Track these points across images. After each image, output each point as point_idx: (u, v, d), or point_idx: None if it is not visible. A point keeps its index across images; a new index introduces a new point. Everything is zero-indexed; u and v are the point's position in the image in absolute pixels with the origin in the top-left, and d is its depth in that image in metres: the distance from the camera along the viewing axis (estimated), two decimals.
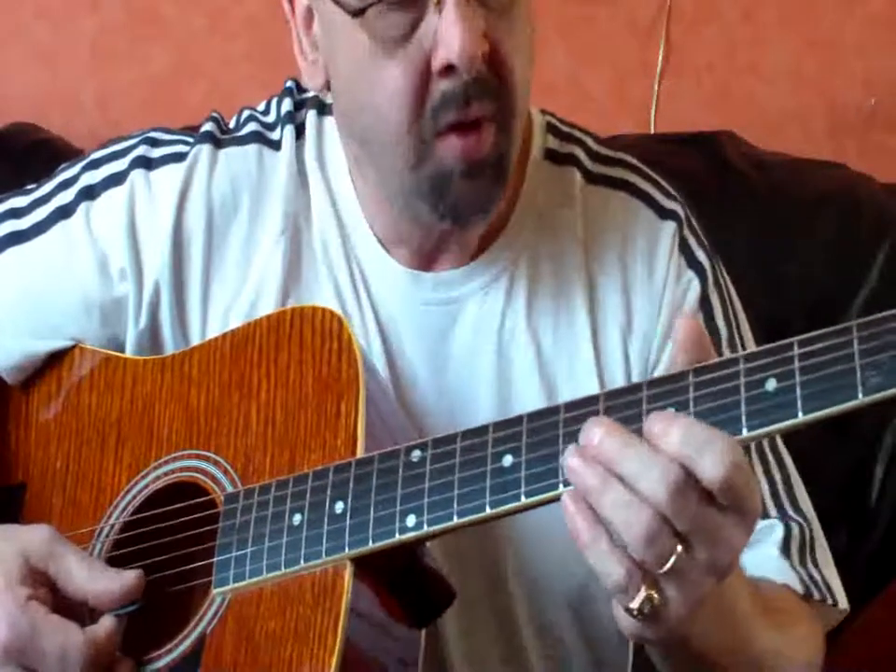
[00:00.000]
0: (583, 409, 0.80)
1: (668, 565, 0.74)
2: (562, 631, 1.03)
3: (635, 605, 0.75)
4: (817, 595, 0.99)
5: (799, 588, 0.98)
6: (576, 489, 0.77)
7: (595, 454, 0.76)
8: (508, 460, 0.81)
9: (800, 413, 0.74)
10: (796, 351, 0.74)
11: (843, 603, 1.01)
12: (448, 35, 0.89)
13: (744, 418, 0.75)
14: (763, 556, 0.98)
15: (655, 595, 0.75)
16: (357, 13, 0.91)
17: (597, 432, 0.77)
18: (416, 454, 0.85)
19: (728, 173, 1.56)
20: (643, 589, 0.75)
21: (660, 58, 1.77)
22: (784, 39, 1.79)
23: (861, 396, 0.72)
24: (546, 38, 1.75)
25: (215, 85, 1.76)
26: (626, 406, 0.79)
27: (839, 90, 1.79)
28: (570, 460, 0.77)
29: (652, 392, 0.78)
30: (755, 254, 1.52)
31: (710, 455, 0.73)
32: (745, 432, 0.75)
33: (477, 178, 0.93)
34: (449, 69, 0.90)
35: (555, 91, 1.75)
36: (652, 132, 1.76)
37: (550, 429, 0.81)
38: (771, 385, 0.74)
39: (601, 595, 0.99)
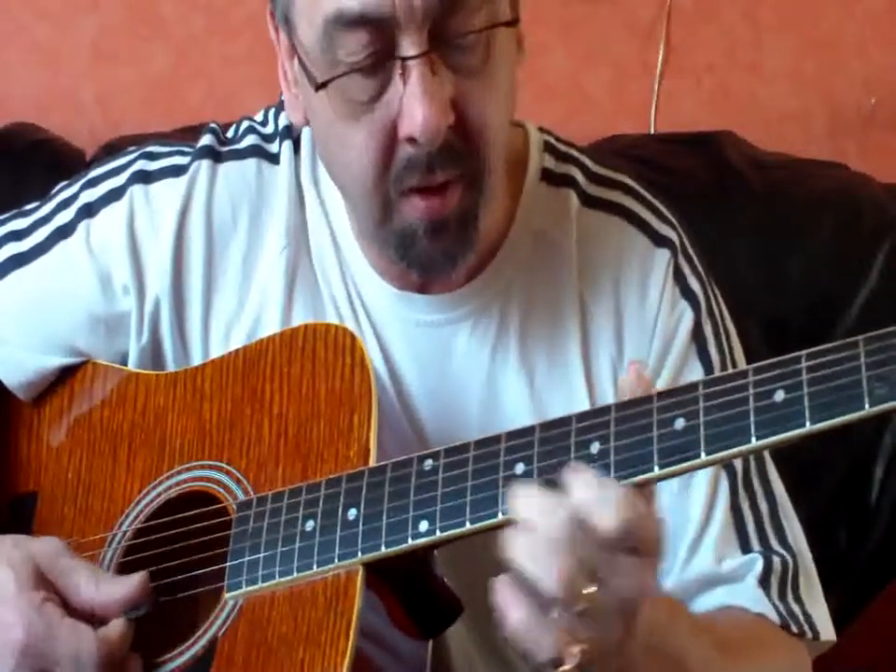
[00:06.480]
0: (595, 419, 0.81)
1: (582, 604, 0.77)
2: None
3: (570, 665, 0.78)
4: (794, 629, 0.99)
5: (776, 620, 0.98)
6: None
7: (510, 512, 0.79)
8: (520, 468, 0.83)
9: (807, 423, 0.75)
10: (804, 363, 0.76)
11: (826, 635, 1.01)
12: (411, 108, 0.88)
13: (753, 427, 0.77)
14: (742, 588, 0.99)
15: (583, 648, 0.78)
16: (320, 87, 0.90)
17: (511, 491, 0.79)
18: (429, 462, 0.87)
19: (728, 173, 1.56)
20: (575, 649, 0.78)
21: (660, 58, 1.77)
22: (784, 39, 1.79)
23: (867, 406, 0.73)
24: (546, 39, 1.76)
25: (215, 85, 1.75)
26: (636, 417, 0.80)
27: (839, 90, 1.79)
28: None
29: (663, 403, 0.79)
30: (755, 254, 1.52)
31: (603, 512, 0.77)
32: (754, 441, 0.77)
33: (441, 236, 0.93)
34: (412, 139, 0.90)
35: (555, 92, 1.75)
36: (652, 132, 1.76)
37: (562, 439, 0.82)
38: (779, 396, 0.76)
39: None
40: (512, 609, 0.78)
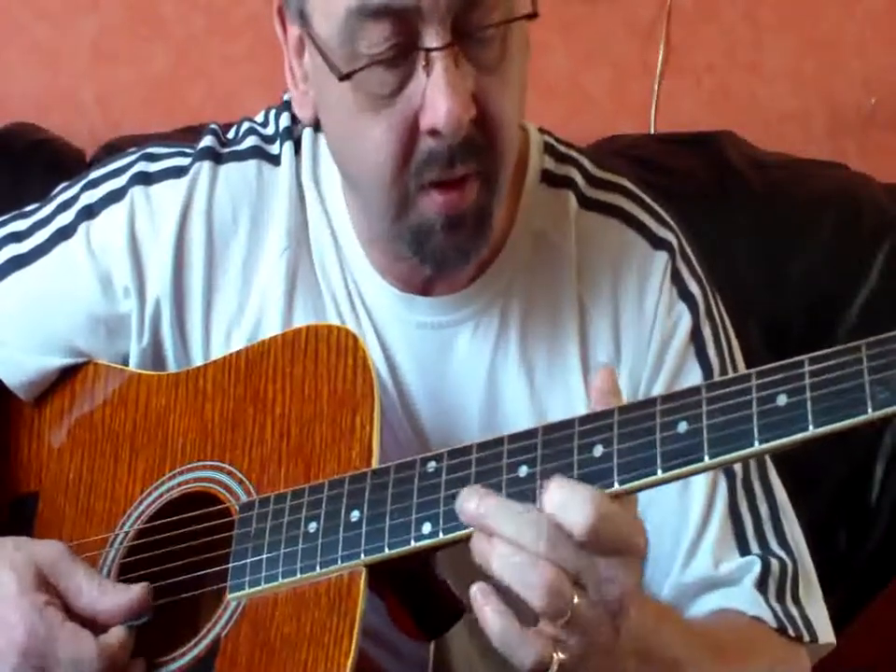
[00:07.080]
0: (598, 422, 0.82)
1: (568, 614, 0.77)
2: None
3: (554, 671, 0.78)
4: (791, 632, 0.98)
5: (772, 623, 0.98)
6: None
7: (475, 524, 0.80)
8: (524, 471, 0.83)
9: (810, 427, 0.76)
10: (807, 368, 0.76)
11: (825, 638, 1.01)
12: (434, 100, 0.88)
13: (756, 431, 0.77)
14: (738, 592, 0.99)
15: (563, 656, 0.79)
16: (344, 78, 0.90)
17: (473, 501, 0.80)
18: (432, 464, 0.87)
19: (728, 173, 1.56)
20: (556, 655, 0.78)
21: (660, 58, 1.78)
22: (784, 39, 1.79)
23: (870, 411, 0.74)
24: (546, 38, 1.76)
25: (215, 85, 1.76)
26: (639, 420, 0.80)
27: (839, 90, 1.80)
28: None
29: (666, 406, 0.80)
30: (755, 254, 1.53)
31: (573, 512, 0.77)
32: (757, 445, 0.77)
33: (458, 231, 0.93)
34: (435, 131, 0.90)
35: (555, 92, 1.76)
36: (652, 132, 1.76)
37: (564, 442, 0.82)
38: (782, 400, 0.76)
39: None
40: (491, 621, 0.78)
